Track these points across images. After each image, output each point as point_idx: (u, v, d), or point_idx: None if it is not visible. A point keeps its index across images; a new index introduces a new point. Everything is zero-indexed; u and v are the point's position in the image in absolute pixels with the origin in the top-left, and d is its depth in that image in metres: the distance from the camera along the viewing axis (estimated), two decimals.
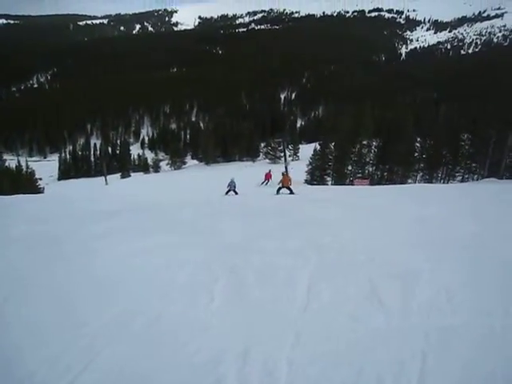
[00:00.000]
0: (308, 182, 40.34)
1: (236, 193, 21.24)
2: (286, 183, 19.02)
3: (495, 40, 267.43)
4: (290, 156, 59.55)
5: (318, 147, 45.10)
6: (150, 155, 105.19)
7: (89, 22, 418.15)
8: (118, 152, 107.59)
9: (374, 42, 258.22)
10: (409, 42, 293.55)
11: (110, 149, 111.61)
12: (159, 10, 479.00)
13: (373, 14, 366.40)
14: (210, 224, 8.84)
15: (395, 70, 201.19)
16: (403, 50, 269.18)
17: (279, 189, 18.98)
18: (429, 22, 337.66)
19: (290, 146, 64.60)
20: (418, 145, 42.10)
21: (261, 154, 71.59)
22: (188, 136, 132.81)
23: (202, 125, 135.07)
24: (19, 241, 7.68)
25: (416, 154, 41.34)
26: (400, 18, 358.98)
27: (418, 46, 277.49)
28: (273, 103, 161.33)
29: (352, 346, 3.37)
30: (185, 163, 77.31)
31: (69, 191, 44.86)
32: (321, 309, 4.05)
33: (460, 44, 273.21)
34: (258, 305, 4.22)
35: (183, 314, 4.11)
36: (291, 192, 18.48)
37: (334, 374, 3.03)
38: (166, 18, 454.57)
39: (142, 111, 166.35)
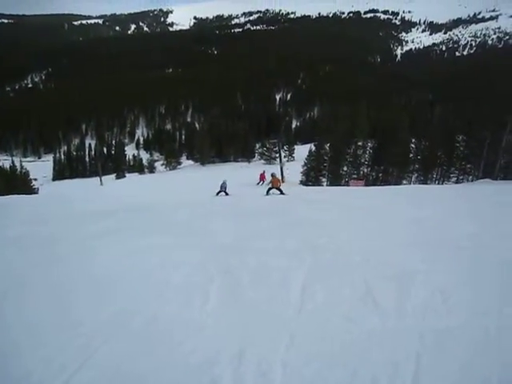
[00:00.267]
0: (303, 182, 40.36)
1: (226, 194, 21.39)
2: (275, 184, 19.17)
3: (490, 42, 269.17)
4: (285, 157, 59.58)
5: (314, 148, 45.13)
6: (145, 156, 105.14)
7: (84, 21, 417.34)
8: (112, 152, 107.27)
9: (370, 43, 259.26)
10: (404, 43, 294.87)
11: (104, 149, 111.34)
12: (154, 10, 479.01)
13: (368, 15, 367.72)
14: (205, 225, 8.84)
15: (390, 71, 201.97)
16: (398, 52, 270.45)
17: (269, 189, 19.07)
18: (424, 23, 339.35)
19: (285, 147, 64.61)
20: (413, 146, 42.27)
21: (256, 155, 71.59)
22: (183, 136, 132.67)
23: (197, 125, 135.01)
24: (15, 241, 7.70)
25: (411, 155, 41.47)
26: (395, 19, 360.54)
27: (414, 48, 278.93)
28: (268, 104, 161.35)
29: (347, 347, 3.37)
30: (180, 164, 77.30)
31: (63, 192, 44.66)
32: (315, 310, 4.05)
33: (455, 46, 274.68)
34: (253, 305, 4.22)
35: (178, 314, 4.11)
36: (281, 193, 18.61)
37: (328, 375, 3.03)
38: (162, 18, 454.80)
39: (137, 111, 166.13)
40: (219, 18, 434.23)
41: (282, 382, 2.98)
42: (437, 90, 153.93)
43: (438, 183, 39.09)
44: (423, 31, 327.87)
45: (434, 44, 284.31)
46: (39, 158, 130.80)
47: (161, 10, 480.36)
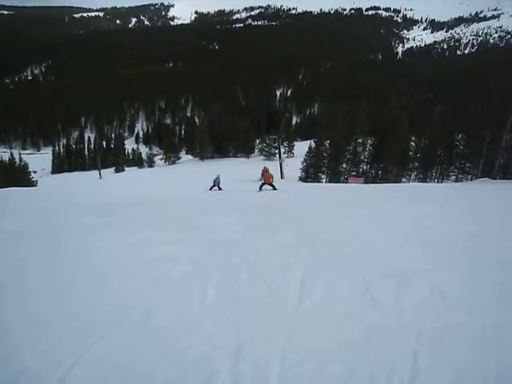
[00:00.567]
0: (302, 179, 40.41)
1: (220, 188, 21.45)
2: (268, 180, 19.18)
3: (491, 41, 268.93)
4: (284, 153, 59.61)
5: (313, 144, 45.16)
6: (144, 150, 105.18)
7: (84, 14, 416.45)
8: (112, 146, 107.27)
9: (371, 40, 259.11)
10: (405, 40, 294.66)
11: (104, 143, 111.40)
12: (156, 4, 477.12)
13: (370, 13, 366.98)
14: (204, 219, 8.82)
15: (391, 68, 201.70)
16: (400, 49, 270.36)
17: (262, 185, 19.08)
18: (426, 21, 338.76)
19: (284, 143, 64.69)
20: (412, 144, 42.29)
21: (256, 151, 71.65)
22: (183, 131, 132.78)
23: (197, 120, 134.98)
24: (13, 233, 7.68)
25: (410, 153, 41.51)
26: (397, 16, 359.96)
27: (415, 45, 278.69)
28: (268, 100, 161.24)
29: (345, 344, 3.37)
30: (179, 158, 77.40)
31: (62, 185, 44.66)
32: (314, 306, 4.05)
33: (456, 44, 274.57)
34: (251, 301, 4.22)
35: (176, 310, 4.09)
36: (274, 188, 18.72)
37: (326, 371, 3.03)
38: (163, 12, 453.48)
39: (137, 105, 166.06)
40: (220, 12, 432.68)
41: (280, 377, 2.97)
42: (437, 89, 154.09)
43: (438, 181, 39.16)
44: (425, 29, 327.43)
45: (435, 42, 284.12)
46: (38, 150, 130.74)
47: (162, 4, 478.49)
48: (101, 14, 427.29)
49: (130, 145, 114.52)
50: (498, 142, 31.29)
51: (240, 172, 30.95)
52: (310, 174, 42.30)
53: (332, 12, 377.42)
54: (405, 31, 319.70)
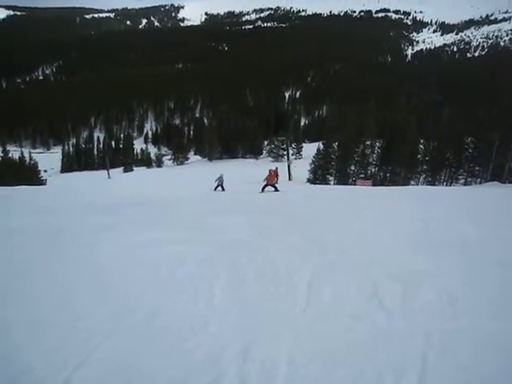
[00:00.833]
0: (310, 181, 40.37)
1: (223, 188, 21.46)
2: (271, 181, 19.14)
3: (502, 44, 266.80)
4: (293, 155, 59.61)
5: (322, 146, 45.12)
6: (153, 150, 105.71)
7: (95, 15, 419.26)
8: (121, 146, 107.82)
9: (380, 42, 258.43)
10: (415, 43, 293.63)
11: (113, 143, 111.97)
12: (166, 5, 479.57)
13: (380, 15, 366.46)
14: (211, 220, 8.83)
15: (400, 71, 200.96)
16: (409, 52, 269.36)
17: (264, 186, 19.06)
18: (435, 23, 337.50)
19: (293, 145, 64.65)
20: (421, 147, 42.08)
21: (264, 152, 71.65)
22: (191, 132, 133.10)
23: (205, 121, 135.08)
24: (20, 232, 7.70)
25: (419, 156, 41.31)
26: (407, 19, 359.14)
27: (424, 48, 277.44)
28: (277, 101, 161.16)
29: (352, 346, 3.34)
30: (187, 159, 77.60)
31: (71, 184, 44.93)
32: (321, 308, 4.03)
33: (466, 47, 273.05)
34: (259, 302, 4.20)
35: (183, 310, 4.08)
36: (276, 189, 18.80)
37: (333, 374, 3.00)
38: (173, 14, 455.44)
39: (146, 106, 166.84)
40: (230, 14, 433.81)
41: (286, 379, 2.94)
42: (447, 91, 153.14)
43: (446, 185, 38.93)
44: (434, 32, 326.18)
45: (445, 45, 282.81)
46: (48, 149, 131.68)
47: (172, 6, 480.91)
48: (111, 15, 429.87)
49: (138, 145, 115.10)
50: (507, 145, 31.11)
51: (248, 173, 30.90)
52: (318, 175, 42.25)
53: (342, 14, 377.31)
54: (414, 34, 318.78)
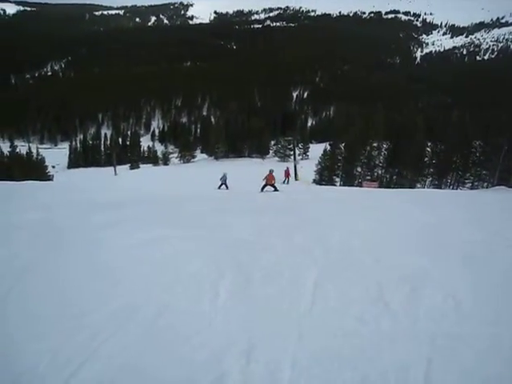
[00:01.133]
0: (317, 181, 40.30)
1: (227, 187, 21.61)
2: (270, 181, 19.19)
3: None
4: (299, 155, 59.53)
5: (328, 147, 45.04)
6: (159, 148, 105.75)
7: (105, 12, 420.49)
8: (128, 143, 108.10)
9: (390, 44, 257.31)
10: (424, 45, 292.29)
11: (120, 139, 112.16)
12: (175, 3, 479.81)
13: (389, 16, 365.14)
14: (217, 218, 8.81)
15: (409, 73, 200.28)
16: (418, 54, 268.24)
17: (264, 186, 19.12)
18: (445, 26, 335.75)
19: (300, 145, 64.57)
20: (428, 149, 41.88)
21: (270, 152, 71.58)
22: (198, 130, 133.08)
23: (212, 119, 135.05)
24: (25, 228, 7.67)
25: (426, 159, 41.13)
26: (416, 20, 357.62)
27: (434, 50, 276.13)
28: (285, 101, 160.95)
29: (357, 349, 3.34)
30: (194, 157, 77.66)
31: (78, 180, 45.10)
32: (326, 309, 4.02)
33: (476, 50, 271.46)
34: (263, 303, 4.20)
35: (187, 309, 4.09)
36: (275, 189, 18.80)
37: (337, 376, 3.00)
38: (182, 12, 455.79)
39: (153, 103, 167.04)
40: (239, 13, 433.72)
41: (291, 380, 2.95)
42: (455, 94, 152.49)
43: (453, 188, 38.76)
44: (444, 34, 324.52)
45: (454, 47, 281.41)
46: (55, 145, 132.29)
47: (181, 3, 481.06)
48: (121, 12, 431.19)
49: (145, 142, 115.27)
50: None
51: (255, 173, 30.85)
52: (325, 176, 42.18)
53: (351, 15, 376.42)
54: (424, 36, 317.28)
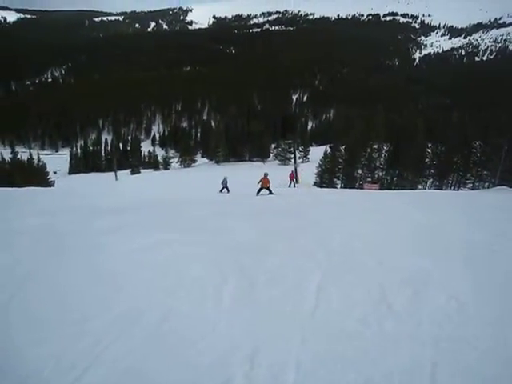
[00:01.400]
0: (317, 184, 40.29)
1: (228, 190, 21.84)
2: (265, 184, 19.28)
3: (510, 47, 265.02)
4: (300, 158, 59.52)
5: (329, 150, 45.04)
6: (160, 152, 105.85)
7: (104, 18, 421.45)
8: (128, 148, 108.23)
9: (388, 46, 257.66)
10: (423, 47, 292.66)
11: (120, 145, 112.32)
12: (174, 9, 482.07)
13: (387, 18, 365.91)
14: (219, 223, 8.81)
15: (408, 74, 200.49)
16: (417, 55, 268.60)
17: (260, 189, 19.19)
18: (444, 27, 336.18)
19: (300, 148, 64.56)
20: (429, 151, 41.88)
21: (271, 155, 71.55)
22: (199, 134, 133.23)
23: (213, 124, 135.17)
24: (27, 233, 7.69)
25: (427, 160, 41.13)
26: (415, 22, 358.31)
27: (432, 52, 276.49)
28: (284, 104, 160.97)
29: (361, 352, 3.33)
30: (195, 161, 77.60)
31: (79, 185, 45.10)
32: (330, 312, 4.02)
33: (475, 50, 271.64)
34: (267, 306, 4.20)
35: (191, 313, 4.08)
36: (270, 192, 19.06)
37: (341, 380, 2.99)
38: (181, 17, 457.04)
39: (153, 108, 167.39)
40: (238, 17, 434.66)
41: None
42: (454, 95, 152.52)
43: (454, 189, 38.73)
44: (442, 35, 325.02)
45: (453, 48, 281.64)
46: (56, 151, 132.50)
47: (180, 9, 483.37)
48: (120, 18, 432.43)
49: (146, 147, 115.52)
50: None
51: (256, 176, 30.85)
52: (325, 179, 42.16)
53: (349, 18, 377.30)
54: (422, 37, 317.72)
